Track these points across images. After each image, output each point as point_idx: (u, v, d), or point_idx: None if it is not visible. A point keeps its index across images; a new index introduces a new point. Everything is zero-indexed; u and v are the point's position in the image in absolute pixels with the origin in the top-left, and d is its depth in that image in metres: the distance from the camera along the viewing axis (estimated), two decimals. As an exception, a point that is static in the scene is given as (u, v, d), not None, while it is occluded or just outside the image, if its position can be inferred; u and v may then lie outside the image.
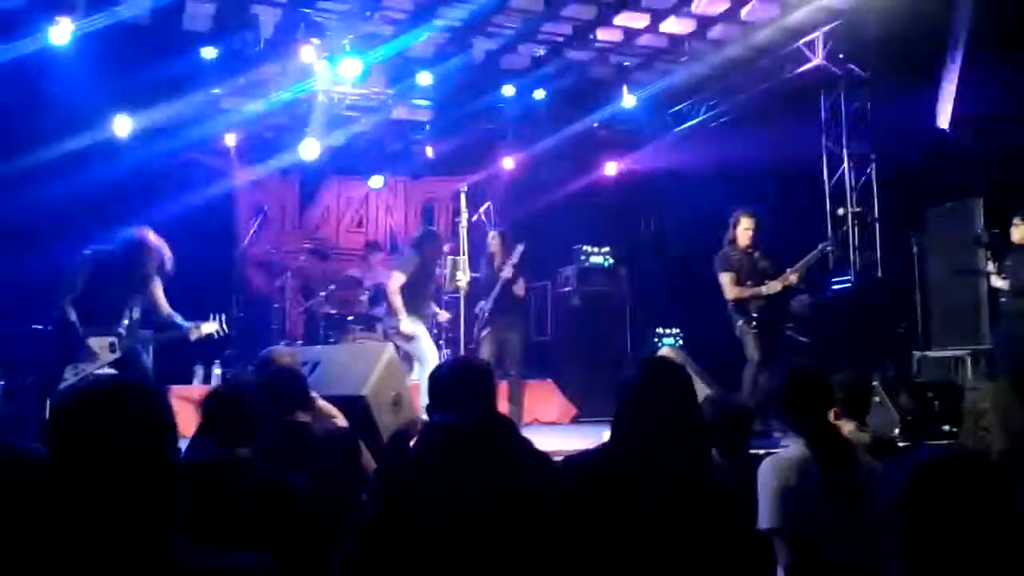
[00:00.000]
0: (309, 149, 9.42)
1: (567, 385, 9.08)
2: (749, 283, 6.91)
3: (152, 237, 5.60)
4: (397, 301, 6.88)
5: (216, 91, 9.07)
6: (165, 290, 5.81)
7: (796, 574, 2.81)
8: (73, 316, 5.41)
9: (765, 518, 2.86)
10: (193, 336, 5.83)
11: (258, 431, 2.73)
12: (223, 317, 5.94)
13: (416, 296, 7.00)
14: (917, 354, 7.92)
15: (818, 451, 2.91)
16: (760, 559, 2.93)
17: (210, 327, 5.88)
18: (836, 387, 3.75)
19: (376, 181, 10.92)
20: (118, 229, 5.77)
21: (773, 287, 6.84)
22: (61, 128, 8.22)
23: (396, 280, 6.97)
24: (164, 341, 5.87)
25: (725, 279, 6.91)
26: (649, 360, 2.68)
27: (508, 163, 10.66)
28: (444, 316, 7.66)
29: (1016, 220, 6.87)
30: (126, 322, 5.57)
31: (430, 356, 6.81)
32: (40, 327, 5.92)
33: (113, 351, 5.52)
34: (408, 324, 6.82)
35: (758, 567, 2.95)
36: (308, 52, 8.25)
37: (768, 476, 2.90)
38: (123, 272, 5.52)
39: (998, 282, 6.92)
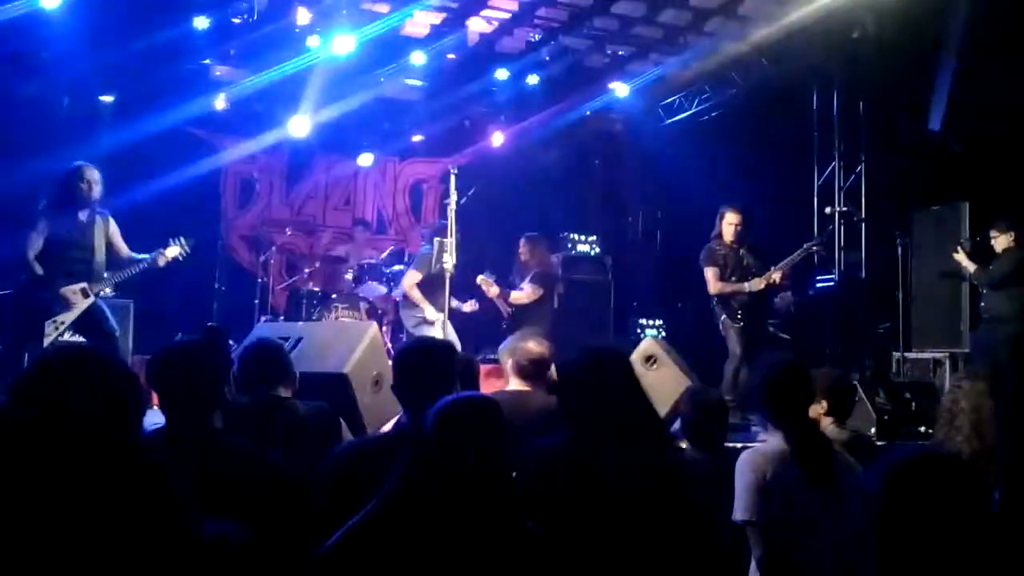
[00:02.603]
0: (299, 126, 9.37)
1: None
2: (733, 279, 6.94)
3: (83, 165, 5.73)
4: (416, 295, 7.12)
5: (207, 61, 8.98)
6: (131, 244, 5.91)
7: (769, 566, 2.83)
8: (40, 270, 5.52)
9: (740, 510, 2.87)
10: (161, 262, 5.89)
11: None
12: (182, 239, 5.97)
13: (436, 287, 7.02)
14: (897, 354, 7.98)
15: (796, 446, 2.93)
16: (729, 549, 2.96)
17: (174, 250, 5.93)
18: (822, 386, 3.78)
19: (365, 159, 10.85)
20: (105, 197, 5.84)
21: (756, 284, 6.87)
22: (49, 93, 8.12)
23: (412, 278, 7.19)
24: (136, 275, 5.92)
25: (709, 273, 6.94)
26: (590, 351, 2.72)
27: (498, 139, 10.57)
28: (470, 307, 7.64)
29: (993, 232, 6.94)
30: (92, 266, 5.67)
31: None
32: (7, 291, 5.89)
33: (86, 296, 5.63)
34: (433, 312, 6.99)
35: (726, 557, 2.99)
36: (302, 25, 8.17)
37: (745, 469, 2.92)
38: (74, 211, 5.63)
39: (965, 261, 7.00)
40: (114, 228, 5.86)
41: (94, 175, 5.68)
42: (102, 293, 5.80)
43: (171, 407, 2.42)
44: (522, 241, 7.81)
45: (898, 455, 1.65)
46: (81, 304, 5.61)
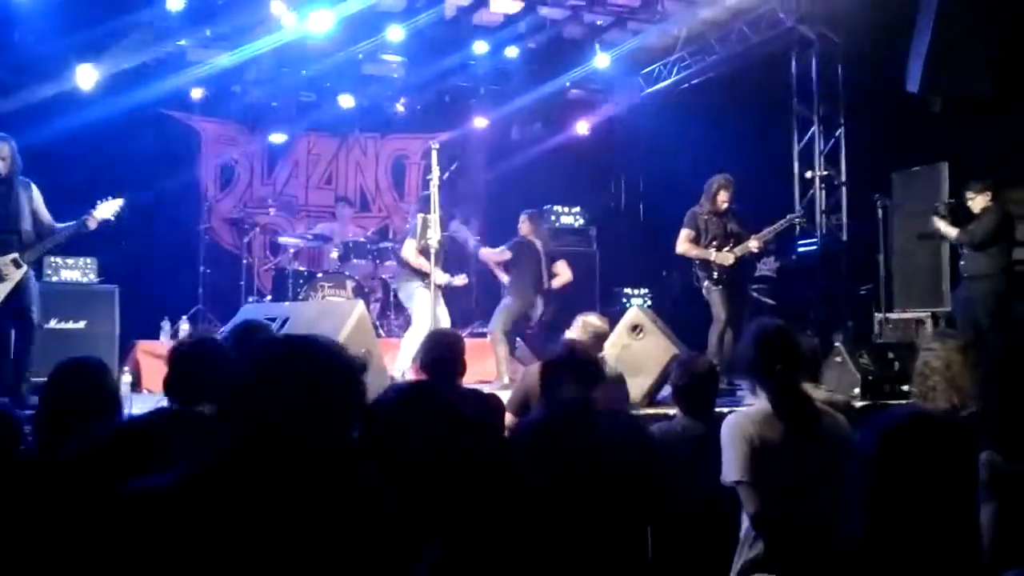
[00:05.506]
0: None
1: (533, 344, 9.13)
2: (714, 243, 6.99)
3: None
4: (420, 262, 6.95)
5: (182, 43, 8.88)
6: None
7: (762, 523, 2.89)
8: None
9: (730, 472, 2.93)
10: (91, 225, 5.70)
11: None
12: (110, 198, 5.75)
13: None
14: (879, 315, 8.06)
15: (781, 406, 2.98)
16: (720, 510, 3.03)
17: (106, 209, 5.73)
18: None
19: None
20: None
21: (724, 258, 6.89)
22: (21, 78, 8.01)
23: (411, 246, 7.07)
24: (64, 240, 5.79)
25: (682, 234, 7.02)
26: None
27: (480, 122, 10.59)
28: (460, 281, 7.62)
29: (969, 194, 6.99)
30: (20, 236, 5.55)
31: (420, 321, 6.81)
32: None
33: (19, 266, 5.53)
34: (441, 276, 6.88)
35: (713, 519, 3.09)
36: (277, 4, 8.09)
37: (732, 431, 2.97)
38: None
39: (944, 226, 7.09)
40: (37, 196, 5.71)
41: (3, 149, 5.50)
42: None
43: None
44: (521, 217, 7.86)
45: (890, 416, 1.70)
46: (14, 275, 5.50)
